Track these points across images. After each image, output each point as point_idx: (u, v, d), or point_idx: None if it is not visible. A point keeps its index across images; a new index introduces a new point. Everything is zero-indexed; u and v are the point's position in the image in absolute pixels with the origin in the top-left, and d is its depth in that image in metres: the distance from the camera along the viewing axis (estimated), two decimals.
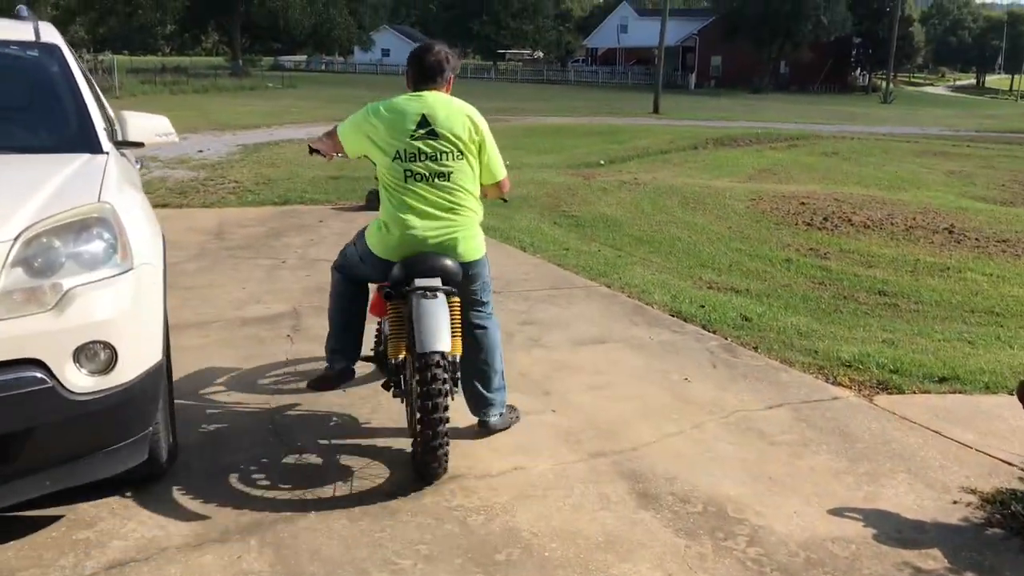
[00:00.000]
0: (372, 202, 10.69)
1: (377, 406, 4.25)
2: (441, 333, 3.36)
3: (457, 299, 3.64)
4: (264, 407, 4.28)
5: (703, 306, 6.40)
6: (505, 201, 4.42)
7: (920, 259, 9.07)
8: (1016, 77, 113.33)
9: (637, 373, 4.82)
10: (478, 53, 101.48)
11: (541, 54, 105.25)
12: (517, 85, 66.46)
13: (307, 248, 8.13)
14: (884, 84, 67.83)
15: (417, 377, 3.34)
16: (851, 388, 4.69)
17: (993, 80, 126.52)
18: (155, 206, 10.59)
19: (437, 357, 3.32)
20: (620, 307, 6.26)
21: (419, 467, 3.46)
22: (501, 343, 3.95)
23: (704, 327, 5.82)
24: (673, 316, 6.09)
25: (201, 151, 16.26)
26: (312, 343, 5.10)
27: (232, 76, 48.23)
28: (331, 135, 3.95)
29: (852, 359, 5.17)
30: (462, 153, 3.66)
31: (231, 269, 7.15)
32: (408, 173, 3.61)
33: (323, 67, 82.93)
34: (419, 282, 3.48)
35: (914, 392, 4.68)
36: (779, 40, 66.42)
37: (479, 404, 3.88)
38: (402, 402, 3.78)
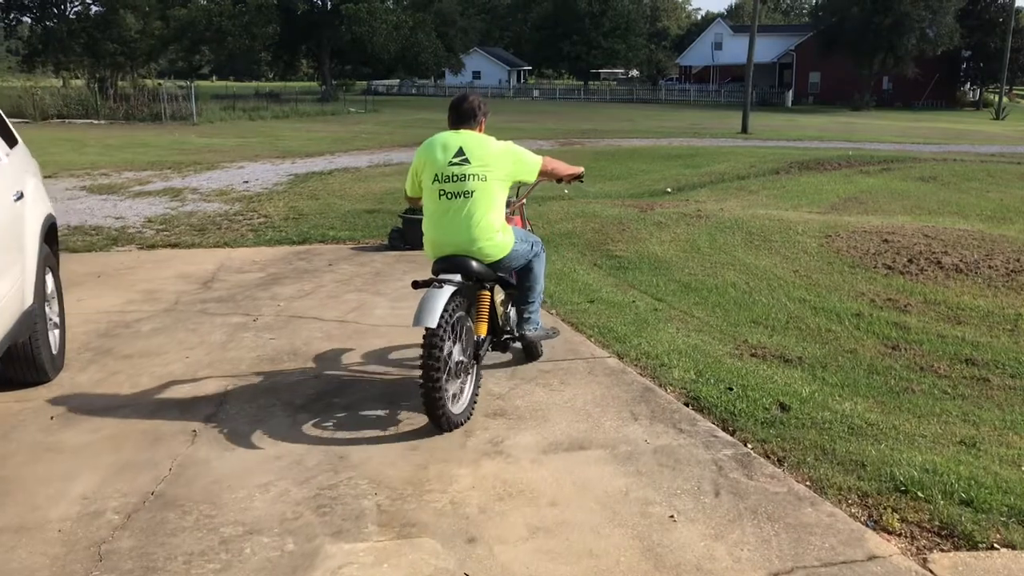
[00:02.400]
0: (395, 241, 9.78)
1: None
2: (432, 314, 4.16)
3: (486, 292, 4.83)
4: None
5: (732, 388, 5.16)
6: (581, 180, 5.38)
7: (1022, 313, 7.56)
8: None
9: (609, 504, 3.64)
10: (572, 73, 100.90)
11: (636, 73, 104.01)
12: (605, 105, 65.26)
13: (293, 301, 7.19)
14: (996, 99, 63.90)
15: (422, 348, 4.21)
16: (900, 537, 3.41)
17: None
18: (164, 247, 10.06)
19: (432, 336, 4.17)
20: (624, 390, 5.07)
21: (433, 423, 4.40)
22: (541, 280, 5.17)
23: (723, 424, 4.59)
24: (688, 405, 4.87)
25: (247, 181, 15.68)
26: (214, 446, 4.12)
27: (321, 101, 48.54)
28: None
29: (910, 480, 3.87)
30: (482, 177, 4.57)
31: (189, 330, 6.26)
32: (442, 192, 4.60)
33: (414, 90, 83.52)
34: (441, 276, 4.49)
35: (992, 544, 3.37)
36: (880, 55, 63.32)
37: (518, 325, 5.16)
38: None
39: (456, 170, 4.57)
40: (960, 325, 7.31)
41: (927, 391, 5.63)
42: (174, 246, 9.75)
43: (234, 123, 33.56)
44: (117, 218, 11.52)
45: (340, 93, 57.72)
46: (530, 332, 5.10)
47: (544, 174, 4.89)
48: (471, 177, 4.56)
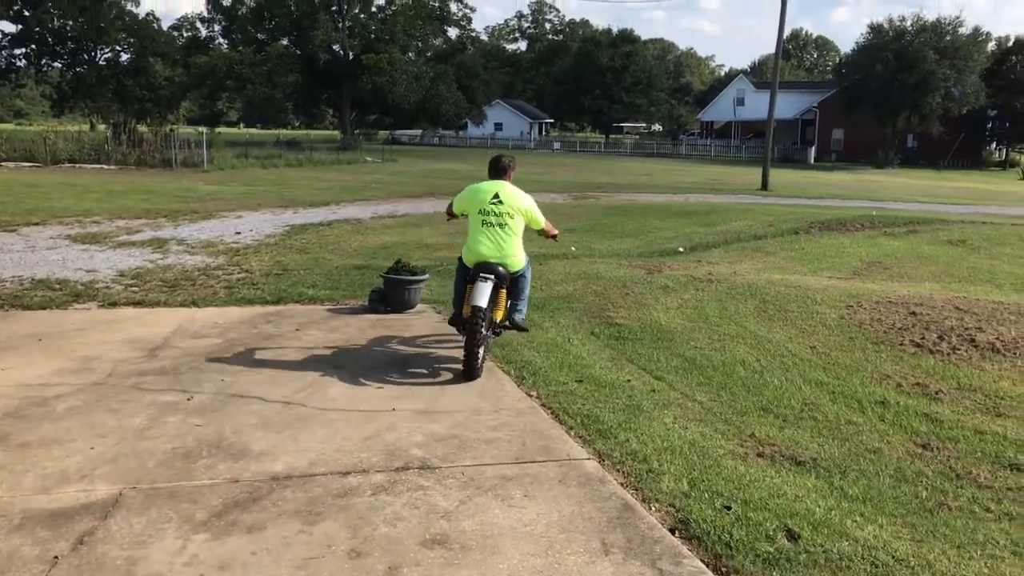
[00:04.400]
0: (375, 303, 8.99)
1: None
2: (483, 298, 6.38)
3: (503, 289, 6.79)
4: None
5: (730, 507, 4.27)
6: (555, 239, 7.86)
7: None
8: None
9: None
10: (593, 126, 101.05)
11: (658, 127, 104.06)
12: (624, 159, 64.90)
13: (242, 375, 6.39)
14: (1023, 159, 62.92)
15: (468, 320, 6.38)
16: None
17: None
18: (127, 304, 9.32)
19: (479, 310, 6.33)
20: (599, 508, 4.20)
21: (466, 370, 6.43)
22: (528, 288, 7.32)
23: (716, 561, 3.71)
24: (675, 531, 3.99)
25: (239, 232, 15.02)
26: None
27: (339, 150, 48.36)
28: (449, 206, 7.28)
29: None
30: (512, 215, 6.78)
31: (110, 411, 5.45)
32: (484, 221, 6.76)
33: (436, 140, 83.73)
34: (482, 274, 6.58)
35: None
36: (905, 113, 62.71)
37: (510, 317, 6.98)
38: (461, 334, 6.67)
39: (494, 208, 6.77)
40: (1000, 418, 6.38)
41: (966, 508, 4.71)
42: (138, 304, 9.01)
43: (245, 170, 33.16)
44: (88, 271, 10.82)
45: (360, 142, 57.72)
46: (517, 319, 7.07)
47: (541, 232, 7.31)
48: (505, 214, 6.77)
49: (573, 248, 14.46)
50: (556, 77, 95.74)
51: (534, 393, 6.22)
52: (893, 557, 3.92)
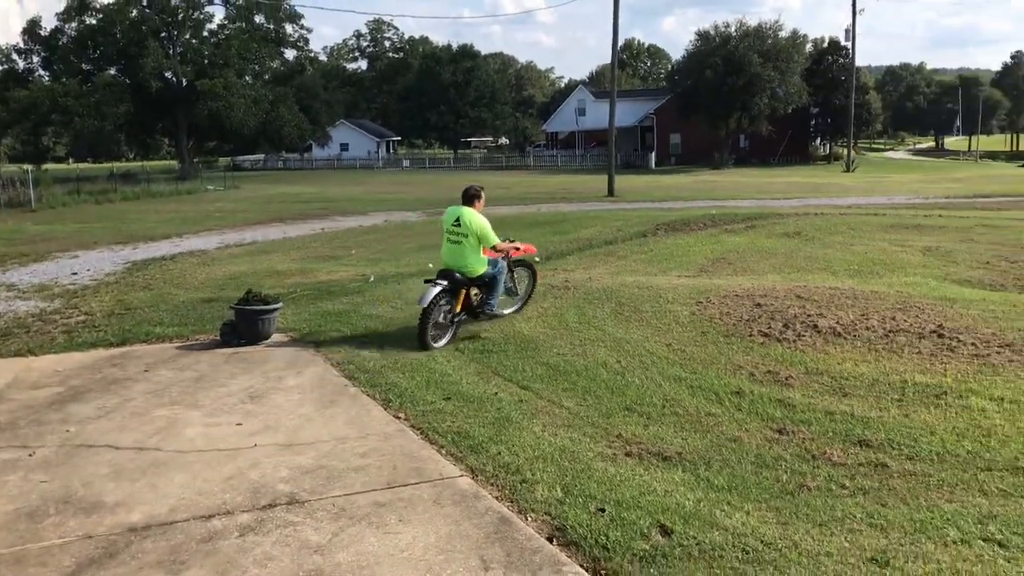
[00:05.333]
0: (227, 335, 8.66)
1: None
2: (426, 300, 8.21)
3: (463, 290, 8.55)
4: None
5: (604, 508, 4.32)
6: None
7: (908, 379, 7.07)
8: (974, 137, 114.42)
9: None
10: (441, 142, 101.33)
11: (507, 140, 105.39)
12: (474, 173, 65.32)
13: (89, 423, 6.01)
14: (846, 152, 67.37)
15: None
16: None
17: (952, 141, 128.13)
18: None
19: (424, 307, 8.17)
20: (476, 525, 4.16)
21: (420, 344, 8.23)
22: (498, 288, 8.95)
23: (595, 565, 3.73)
24: (552, 539, 4.00)
25: (75, 273, 14.19)
26: None
27: (178, 180, 46.51)
28: None
29: None
30: (466, 235, 8.48)
31: None
32: (448, 238, 8.64)
33: (280, 164, 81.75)
34: (437, 280, 8.44)
35: None
36: (736, 114, 65.92)
37: (482, 306, 8.85)
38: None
39: (455, 228, 8.55)
40: (847, 398, 6.73)
41: (824, 487, 4.93)
42: None
43: (78, 207, 31.41)
44: None
45: (200, 170, 55.72)
46: (488, 311, 8.90)
47: (493, 247, 8.72)
48: (461, 234, 8.52)
49: (431, 265, 14.39)
50: (400, 94, 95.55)
51: (402, 415, 6.13)
52: (761, 541, 4.05)
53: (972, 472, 5.18)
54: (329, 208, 29.08)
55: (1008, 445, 5.57)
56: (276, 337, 8.84)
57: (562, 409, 6.49)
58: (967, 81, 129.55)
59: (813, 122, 77.08)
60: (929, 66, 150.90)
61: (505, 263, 9.01)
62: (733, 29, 65.64)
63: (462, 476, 4.84)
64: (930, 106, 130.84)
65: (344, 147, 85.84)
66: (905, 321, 8.90)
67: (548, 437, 5.69)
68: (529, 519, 4.26)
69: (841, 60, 72.42)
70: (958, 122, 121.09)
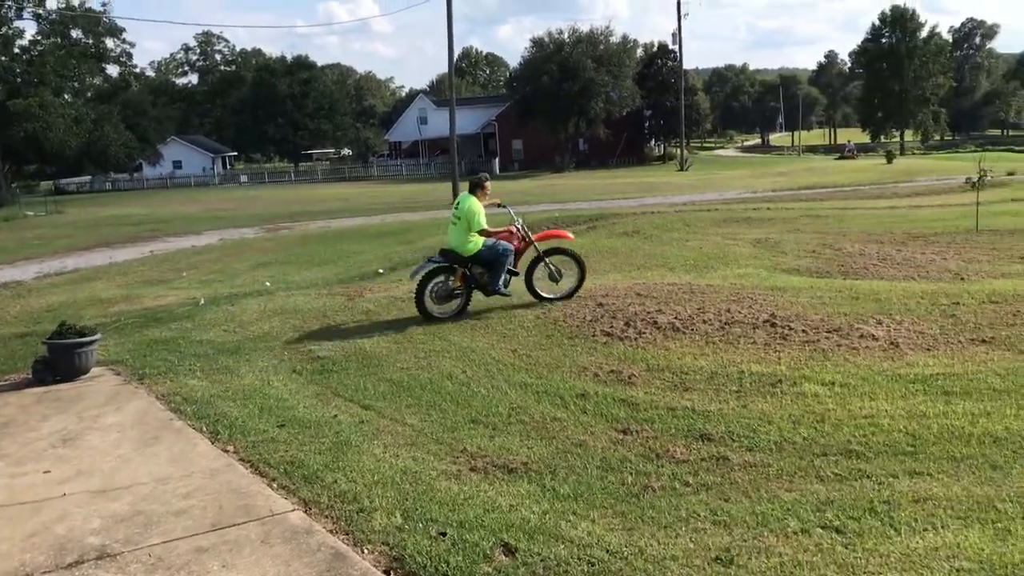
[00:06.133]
0: (40, 373, 7.94)
1: None
2: (419, 274, 9.72)
3: (461, 269, 9.66)
4: None
5: (445, 532, 4.11)
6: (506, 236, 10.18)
7: (744, 370, 7.21)
8: (796, 133, 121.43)
9: None
10: (281, 155, 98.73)
11: (349, 152, 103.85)
12: (317, 186, 64.06)
13: None
14: (679, 152, 70.02)
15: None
16: None
17: (776, 138, 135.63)
18: None
19: (417, 279, 9.70)
20: (306, 565, 3.86)
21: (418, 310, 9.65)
22: (500, 269, 9.80)
23: None
24: (389, 571, 3.77)
25: None
26: None
27: None
28: None
29: None
30: (460, 218, 9.62)
31: None
32: (451, 220, 9.88)
33: (109, 185, 77.44)
34: (432, 258, 9.90)
35: None
36: (573, 119, 67.36)
37: (488, 285, 9.83)
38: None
39: (455, 212, 9.73)
40: (688, 392, 6.79)
41: (668, 487, 4.90)
42: None
43: None
44: None
45: (18, 196, 52.04)
46: (491, 289, 9.75)
47: (482, 231, 9.67)
48: (457, 217, 9.64)
49: (268, 283, 13.85)
50: (234, 108, 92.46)
51: (231, 448, 5.72)
52: (607, 551, 3.95)
53: (809, 459, 5.27)
54: (160, 229, 27.68)
55: (841, 429, 5.73)
56: (96, 371, 8.18)
57: (405, 427, 6.24)
58: (787, 80, 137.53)
59: (647, 124, 79.73)
60: (752, 67, 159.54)
61: (510, 248, 9.85)
62: (566, 36, 67.16)
63: (294, 510, 4.52)
64: (754, 105, 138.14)
65: (177, 165, 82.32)
66: (740, 312, 9.13)
67: (389, 459, 5.43)
68: (366, 551, 4.00)
69: (670, 63, 75.22)
70: (780, 119, 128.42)
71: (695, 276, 12.14)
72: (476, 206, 9.59)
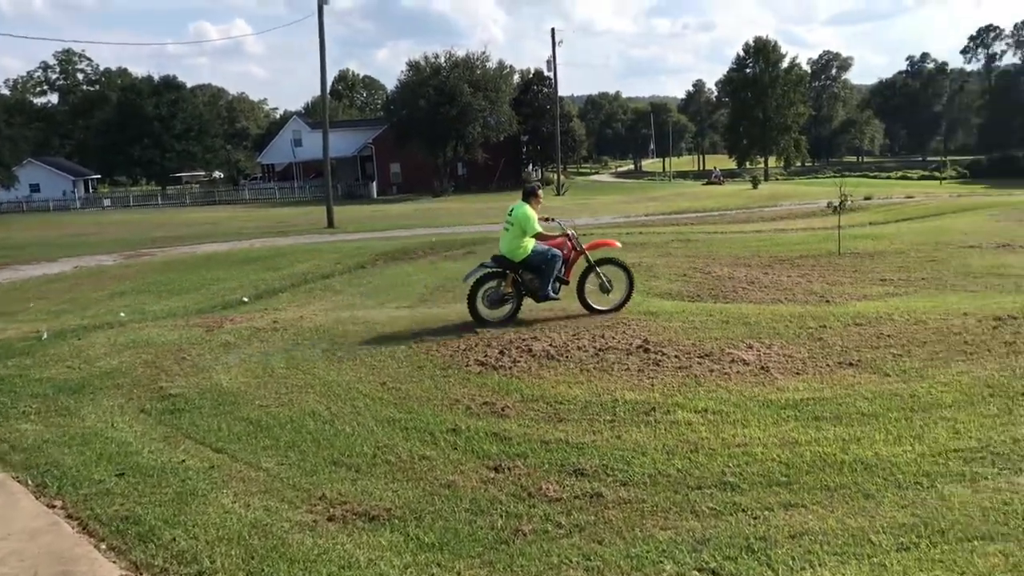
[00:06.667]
0: None
1: None
2: (472, 277, 10.04)
3: (511, 274, 9.94)
4: None
5: None
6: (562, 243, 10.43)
7: (619, 398, 7.05)
8: (667, 159, 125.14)
9: None
10: (148, 178, 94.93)
11: (220, 175, 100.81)
12: (184, 210, 61.77)
13: None
14: (555, 177, 70.89)
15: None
16: None
17: (648, 163, 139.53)
18: None
19: (470, 282, 10.06)
20: None
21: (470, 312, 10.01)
22: (549, 274, 10.00)
23: None
24: None
25: None
26: None
27: None
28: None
29: None
30: (512, 224, 9.92)
31: None
32: (504, 227, 10.14)
33: None
34: (486, 262, 10.19)
35: None
36: (451, 143, 67.30)
37: (538, 291, 10.01)
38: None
39: (508, 218, 10.03)
40: (562, 423, 6.56)
41: (539, 529, 4.62)
42: None
43: None
44: None
45: None
46: (541, 295, 9.99)
47: (536, 235, 9.97)
48: (509, 223, 9.98)
49: (123, 314, 12.98)
50: (98, 129, 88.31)
51: (58, 503, 5.13)
52: None
53: (684, 493, 5.11)
54: (11, 256, 25.89)
55: (715, 459, 5.60)
56: None
57: (260, 472, 5.77)
58: (657, 108, 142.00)
59: (525, 149, 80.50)
60: (624, 94, 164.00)
61: (558, 253, 10.09)
62: (443, 60, 67.09)
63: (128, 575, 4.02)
64: (628, 131, 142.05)
65: (35, 188, 77.88)
66: (614, 338, 9.01)
67: (239, 510, 4.97)
68: None
69: (546, 90, 76.23)
70: (652, 145, 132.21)
71: (570, 301, 11.99)
72: (530, 212, 9.92)
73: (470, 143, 66.62)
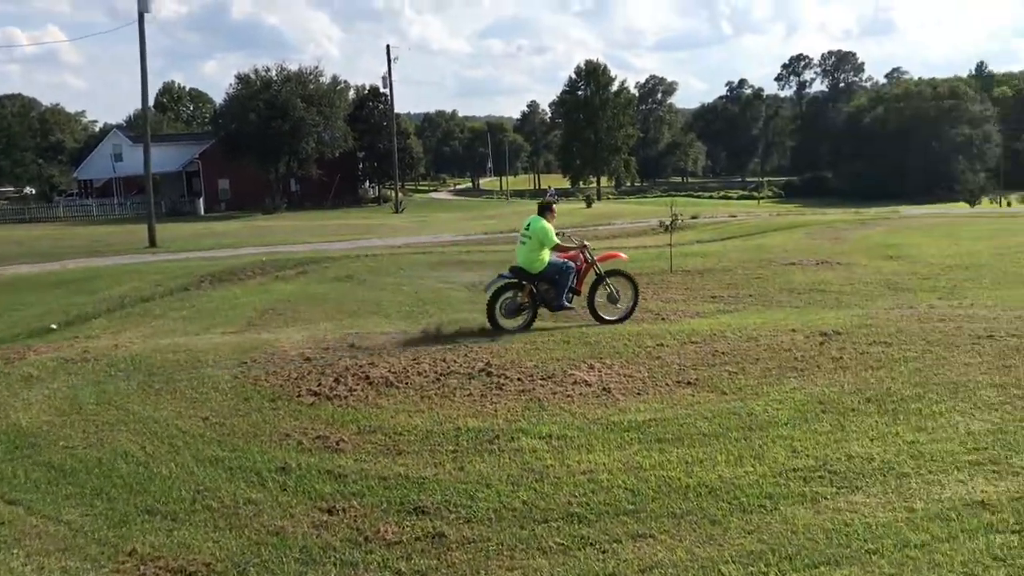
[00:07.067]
0: None
1: None
2: (491, 289, 10.58)
3: (528, 285, 10.41)
4: None
5: None
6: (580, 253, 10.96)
7: (461, 426, 6.77)
8: (504, 178, 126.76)
9: None
10: None
11: (32, 191, 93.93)
12: None
13: None
14: (393, 194, 70.20)
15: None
16: None
17: (486, 182, 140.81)
18: None
19: (490, 292, 10.57)
20: None
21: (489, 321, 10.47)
22: (563, 286, 10.46)
23: None
24: None
25: None
26: None
27: None
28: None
29: None
30: (530, 238, 10.36)
31: None
32: (520, 240, 10.68)
33: None
34: (504, 273, 10.61)
35: None
36: (284, 158, 65.43)
37: (552, 302, 10.49)
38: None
39: (525, 232, 10.51)
40: (401, 456, 6.22)
41: None
42: None
43: None
44: None
45: None
46: (556, 305, 10.50)
47: (555, 247, 10.56)
48: (527, 237, 10.45)
49: None
50: None
51: None
52: None
53: (530, 528, 4.88)
54: None
55: (561, 489, 5.41)
56: None
57: (60, 526, 5.13)
58: (494, 127, 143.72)
59: (361, 166, 79.44)
60: (461, 113, 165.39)
61: (572, 265, 10.58)
62: (274, 73, 65.31)
63: None
64: (465, 150, 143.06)
65: None
66: (455, 362, 8.72)
67: (30, 574, 4.33)
68: None
69: (382, 106, 75.54)
70: (490, 164, 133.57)
71: (411, 324, 11.65)
72: (548, 226, 10.41)
73: (304, 159, 65.07)
